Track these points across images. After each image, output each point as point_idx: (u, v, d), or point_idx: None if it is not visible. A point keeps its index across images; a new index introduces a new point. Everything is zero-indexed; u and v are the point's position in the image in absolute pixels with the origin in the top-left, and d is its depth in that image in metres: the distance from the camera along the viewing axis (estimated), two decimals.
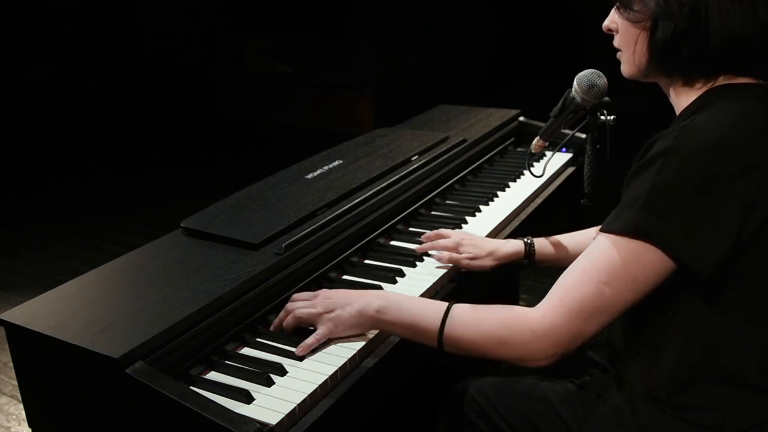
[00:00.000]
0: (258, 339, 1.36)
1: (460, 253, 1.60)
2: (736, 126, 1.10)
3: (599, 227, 1.63)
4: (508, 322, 1.19)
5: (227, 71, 7.21)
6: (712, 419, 1.20)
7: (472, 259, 1.59)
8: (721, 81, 1.19)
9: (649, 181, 1.11)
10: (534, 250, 1.63)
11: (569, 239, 1.67)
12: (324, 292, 1.38)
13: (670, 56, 1.19)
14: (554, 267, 1.69)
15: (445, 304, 1.27)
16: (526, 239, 1.65)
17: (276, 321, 1.39)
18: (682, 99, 1.23)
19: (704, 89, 1.20)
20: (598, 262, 1.15)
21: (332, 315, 1.31)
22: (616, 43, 1.30)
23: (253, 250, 1.49)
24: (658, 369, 1.23)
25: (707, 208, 1.08)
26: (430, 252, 1.64)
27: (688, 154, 1.08)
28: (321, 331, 1.31)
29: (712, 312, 1.17)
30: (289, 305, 1.38)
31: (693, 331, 1.18)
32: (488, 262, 1.60)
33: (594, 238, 1.60)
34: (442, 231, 1.69)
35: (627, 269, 1.12)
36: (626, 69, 1.29)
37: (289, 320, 1.35)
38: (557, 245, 1.65)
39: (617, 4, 1.25)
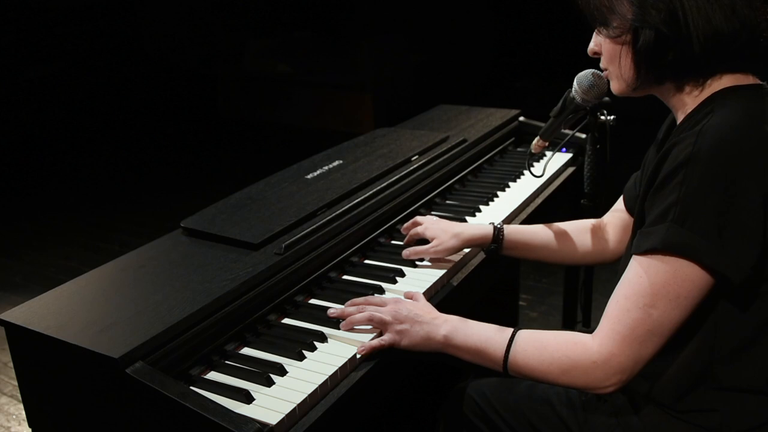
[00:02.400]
0: (257, 340, 1.36)
1: (427, 236, 1.63)
2: (749, 125, 1.10)
3: (570, 222, 1.66)
4: (569, 353, 1.20)
5: (227, 71, 7.21)
6: (713, 421, 1.20)
7: (436, 246, 1.60)
8: (725, 82, 1.18)
9: (674, 195, 1.10)
10: (503, 236, 1.64)
11: (539, 230, 1.67)
12: (397, 301, 1.39)
13: (655, 63, 1.18)
14: (522, 257, 1.69)
15: (510, 331, 1.28)
16: (496, 224, 1.65)
17: (337, 311, 1.40)
18: (687, 104, 1.22)
19: (707, 92, 1.19)
20: (638, 286, 1.14)
21: (401, 327, 1.32)
22: (602, 64, 1.30)
23: (253, 250, 1.49)
24: (664, 373, 1.23)
25: (734, 211, 1.07)
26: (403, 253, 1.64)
27: (708, 159, 1.07)
28: (387, 339, 1.32)
29: (724, 318, 1.16)
30: (361, 304, 1.39)
31: (703, 336, 1.18)
32: (452, 243, 1.61)
33: (556, 231, 1.64)
34: (417, 218, 1.71)
35: (667, 288, 1.11)
36: (615, 86, 1.29)
37: (360, 317, 1.36)
38: (527, 234, 1.66)
39: (596, 24, 1.25)
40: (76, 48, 6.75)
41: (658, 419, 1.25)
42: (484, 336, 1.29)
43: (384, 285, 1.53)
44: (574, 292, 2.43)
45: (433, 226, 1.65)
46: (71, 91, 6.62)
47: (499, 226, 1.65)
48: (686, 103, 1.22)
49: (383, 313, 1.34)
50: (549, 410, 1.40)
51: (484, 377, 1.51)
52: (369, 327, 1.36)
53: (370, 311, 1.36)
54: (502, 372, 1.28)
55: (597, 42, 1.29)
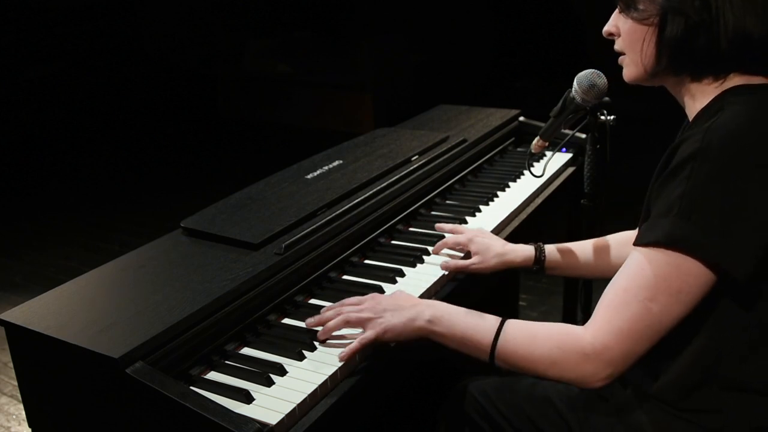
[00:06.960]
0: (257, 340, 1.36)
1: (470, 249, 1.61)
2: (760, 121, 1.09)
3: (608, 236, 1.64)
4: (560, 343, 1.16)
5: (227, 71, 7.21)
6: (716, 421, 1.20)
7: (477, 263, 1.58)
8: (737, 81, 1.17)
9: (681, 188, 1.08)
10: (544, 257, 1.62)
11: (581, 247, 1.64)
12: (374, 296, 1.36)
13: (680, 53, 1.16)
14: (564, 276, 1.67)
15: (499, 320, 1.25)
16: (536, 245, 1.63)
17: (314, 320, 1.34)
18: (697, 100, 1.21)
19: (718, 89, 1.18)
20: (639, 279, 1.12)
21: (381, 320, 1.28)
22: (617, 47, 1.27)
23: (253, 250, 1.49)
24: (668, 372, 1.22)
25: (740, 208, 1.06)
26: (438, 252, 1.63)
27: (717, 155, 1.07)
28: (368, 335, 1.27)
29: (731, 316, 1.15)
30: (336, 308, 1.34)
31: (709, 336, 1.17)
32: (494, 262, 1.59)
33: (596, 246, 1.62)
34: (458, 227, 1.70)
35: (669, 282, 1.10)
36: (631, 72, 1.26)
37: (336, 322, 1.31)
38: (568, 253, 1.63)
39: (620, 5, 1.23)
40: (76, 48, 6.75)
41: (661, 418, 1.25)
42: (471, 323, 1.25)
43: (384, 285, 1.52)
44: (574, 292, 2.43)
45: (477, 240, 1.61)
46: (71, 91, 6.62)
47: (541, 247, 1.62)
48: (696, 99, 1.21)
49: (362, 311, 1.30)
50: (550, 408, 1.39)
51: (485, 376, 1.51)
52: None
53: (346, 312, 1.31)
54: (486, 362, 1.24)
55: (615, 23, 1.26)
